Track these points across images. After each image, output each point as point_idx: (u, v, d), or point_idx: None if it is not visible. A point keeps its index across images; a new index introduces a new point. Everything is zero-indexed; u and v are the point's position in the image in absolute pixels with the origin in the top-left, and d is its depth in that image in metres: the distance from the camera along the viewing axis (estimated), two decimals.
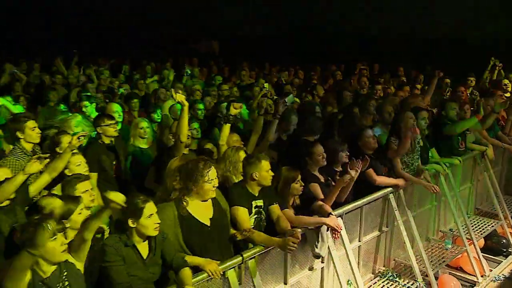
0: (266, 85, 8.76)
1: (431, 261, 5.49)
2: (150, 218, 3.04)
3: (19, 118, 4.47)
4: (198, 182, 3.44)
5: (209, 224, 3.54)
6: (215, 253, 3.47)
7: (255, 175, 3.85)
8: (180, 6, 16.45)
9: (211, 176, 3.48)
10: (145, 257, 3.13)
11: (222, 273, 3.44)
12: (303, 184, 4.24)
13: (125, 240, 3.07)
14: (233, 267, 3.56)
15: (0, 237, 3.31)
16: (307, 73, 11.58)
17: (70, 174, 3.87)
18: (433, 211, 6.24)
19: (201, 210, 3.55)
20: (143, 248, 3.13)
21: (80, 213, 3.18)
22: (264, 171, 3.86)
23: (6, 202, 3.39)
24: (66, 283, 2.73)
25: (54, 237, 2.56)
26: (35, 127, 4.39)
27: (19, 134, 4.32)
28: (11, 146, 4.47)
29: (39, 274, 2.64)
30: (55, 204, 3.20)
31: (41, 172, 3.75)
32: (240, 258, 3.58)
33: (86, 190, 3.52)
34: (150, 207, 3.05)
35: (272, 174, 3.92)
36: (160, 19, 17.57)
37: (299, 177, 4.19)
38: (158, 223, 3.09)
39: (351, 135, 5.40)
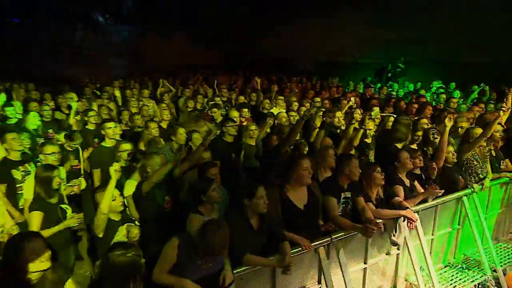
0: (352, 99, 8.51)
1: (500, 259, 4.93)
2: (261, 199, 3.16)
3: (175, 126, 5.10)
4: (296, 170, 3.51)
5: (303, 208, 3.57)
6: (305, 233, 3.46)
7: (346, 170, 3.79)
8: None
9: (306, 164, 3.53)
10: (255, 229, 3.24)
11: (314, 249, 3.48)
12: (384, 174, 4.04)
13: (241, 214, 3.22)
14: (323, 245, 3.55)
15: (156, 204, 3.69)
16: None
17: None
18: (505, 215, 5.57)
19: (297, 196, 3.58)
20: (255, 222, 3.25)
21: (213, 190, 3.40)
22: (354, 167, 3.79)
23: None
24: None
25: None
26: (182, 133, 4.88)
27: (172, 137, 4.83)
28: None
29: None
30: None
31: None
32: (329, 238, 3.55)
33: (215, 174, 3.76)
34: (261, 190, 3.17)
35: (360, 171, 3.84)
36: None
37: (379, 168, 4.02)
38: (266, 203, 3.19)
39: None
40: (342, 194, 3.83)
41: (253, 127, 5.37)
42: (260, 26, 17.35)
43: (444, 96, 8.83)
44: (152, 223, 3.72)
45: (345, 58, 15.63)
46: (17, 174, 4.20)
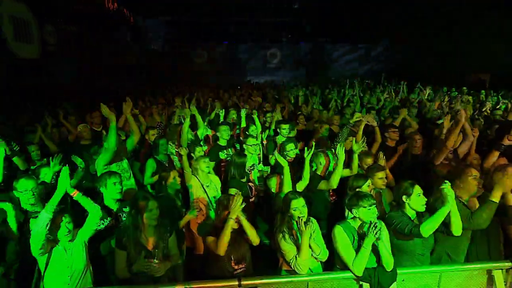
0: None
1: None
2: (419, 197, 2.87)
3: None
4: (464, 179, 3.05)
5: None
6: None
7: None
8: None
9: (475, 173, 3.07)
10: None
11: (486, 269, 2.83)
12: None
13: (400, 211, 2.96)
14: (501, 269, 2.84)
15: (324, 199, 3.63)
16: None
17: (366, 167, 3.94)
18: None
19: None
20: (413, 216, 2.93)
21: (368, 186, 3.26)
22: None
23: None
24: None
25: (369, 208, 2.67)
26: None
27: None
28: None
29: (352, 227, 2.78)
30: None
31: None
32: (510, 263, 2.81)
33: (382, 177, 3.52)
34: (417, 188, 2.89)
35: None
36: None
37: None
38: (425, 202, 2.88)
39: None
40: None
41: (418, 137, 4.76)
42: None
43: None
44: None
45: None
46: (222, 155, 4.88)
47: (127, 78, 14.95)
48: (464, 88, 10.28)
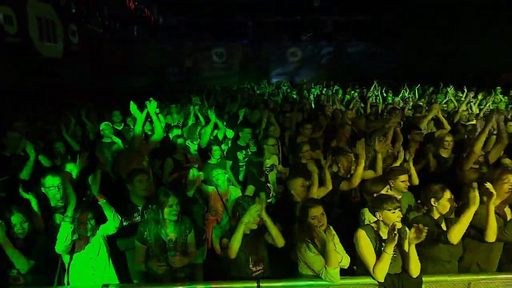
0: None
1: None
2: (448, 202, 2.81)
3: None
4: (499, 185, 2.90)
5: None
6: None
7: None
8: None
9: (510, 179, 2.93)
10: (445, 228, 2.82)
11: None
12: None
13: (427, 215, 2.90)
14: None
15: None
16: None
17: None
18: None
19: (500, 209, 2.95)
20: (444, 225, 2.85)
21: (387, 191, 3.20)
22: None
23: None
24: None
25: (394, 211, 2.61)
26: None
27: None
28: None
29: (376, 230, 2.73)
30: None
31: None
32: None
33: (404, 181, 3.42)
34: (447, 194, 2.82)
35: None
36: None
37: None
38: (455, 206, 2.86)
39: None
40: None
41: (450, 138, 4.61)
42: None
43: None
44: None
45: None
46: (240, 156, 4.90)
47: (145, 77, 15.25)
48: (498, 88, 9.88)
